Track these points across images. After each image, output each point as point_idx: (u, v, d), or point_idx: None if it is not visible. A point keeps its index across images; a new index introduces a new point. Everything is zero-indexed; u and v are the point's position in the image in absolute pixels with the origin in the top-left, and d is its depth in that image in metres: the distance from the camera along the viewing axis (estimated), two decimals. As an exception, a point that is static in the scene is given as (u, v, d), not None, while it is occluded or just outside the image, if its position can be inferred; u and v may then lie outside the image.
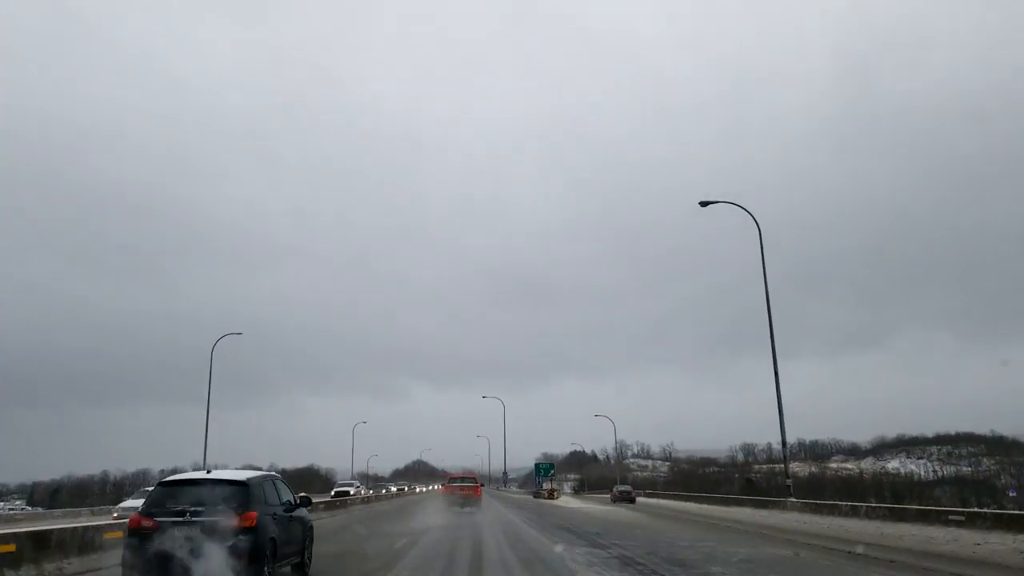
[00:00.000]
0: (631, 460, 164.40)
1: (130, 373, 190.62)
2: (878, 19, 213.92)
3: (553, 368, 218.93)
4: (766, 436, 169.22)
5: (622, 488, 52.10)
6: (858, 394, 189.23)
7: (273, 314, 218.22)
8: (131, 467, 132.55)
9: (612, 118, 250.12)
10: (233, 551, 7.86)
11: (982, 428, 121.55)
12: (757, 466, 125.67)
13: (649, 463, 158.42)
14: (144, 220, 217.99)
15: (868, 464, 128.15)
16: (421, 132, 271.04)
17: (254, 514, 8.31)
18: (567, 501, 53.37)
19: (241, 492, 8.54)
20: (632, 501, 47.53)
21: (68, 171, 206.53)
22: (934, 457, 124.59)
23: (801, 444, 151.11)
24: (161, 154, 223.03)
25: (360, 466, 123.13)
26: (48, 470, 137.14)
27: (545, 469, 68.05)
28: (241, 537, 8.01)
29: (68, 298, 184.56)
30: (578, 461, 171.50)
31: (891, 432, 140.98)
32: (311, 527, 11.18)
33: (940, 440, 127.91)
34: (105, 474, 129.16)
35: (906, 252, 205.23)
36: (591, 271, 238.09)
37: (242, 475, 9.15)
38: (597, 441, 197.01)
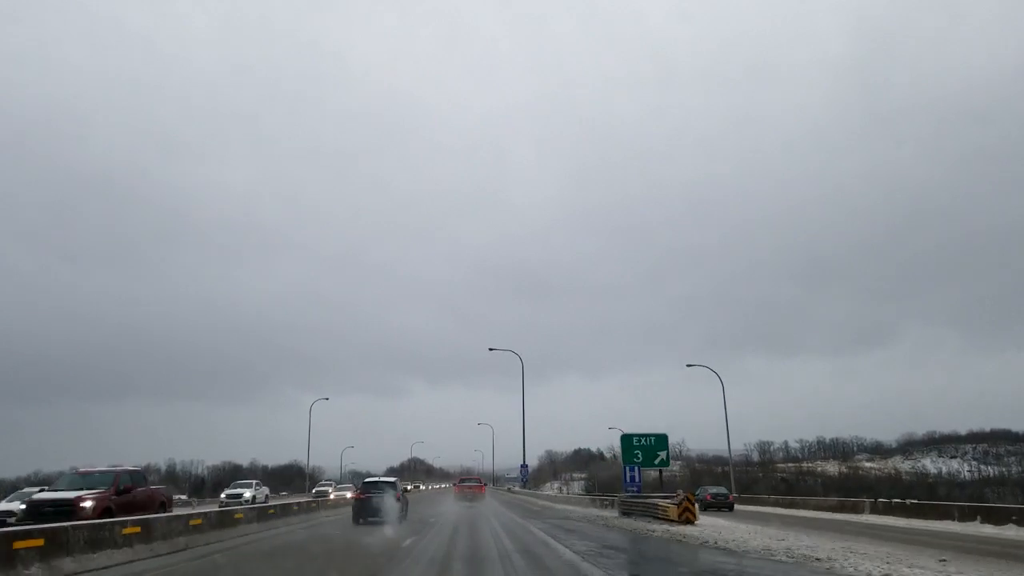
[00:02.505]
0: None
1: (104, 367, 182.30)
2: (894, 5, 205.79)
3: (553, 366, 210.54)
4: (781, 434, 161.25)
5: (715, 491, 39.01)
6: (872, 392, 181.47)
7: (263, 307, 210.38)
8: (102, 463, 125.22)
9: (616, 108, 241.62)
10: (393, 506, 22.56)
11: (1017, 425, 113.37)
12: (782, 465, 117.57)
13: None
14: (127, 206, 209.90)
15: (897, 463, 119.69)
16: (417, 121, 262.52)
17: (399, 493, 24.15)
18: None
19: (394, 485, 24.56)
20: (730, 508, 37.28)
21: (47, 152, 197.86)
22: (969, 456, 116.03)
23: (821, 442, 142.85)
24: (147, 138, 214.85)
25: (330, 460, 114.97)
26: (16, 467, 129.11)
27: (645, 450, 29.56)
28: (396, 501, 22.99)
29: (42, 287, 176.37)
30: (583, 460, 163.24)
31: (919, 429, 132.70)
32: (408, 500, 27.66)
33: (974, 438, 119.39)
34: (74, 471, 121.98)
35: (921, 246, 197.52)
36: (592, 266, 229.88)
37: (392, 478, 26.62)
38: (602, 440, 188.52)
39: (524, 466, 55.27)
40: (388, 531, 19.12)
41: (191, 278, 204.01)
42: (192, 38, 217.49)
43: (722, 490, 39.81)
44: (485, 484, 52.82)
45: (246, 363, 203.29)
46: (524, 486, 59.83)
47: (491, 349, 50.93)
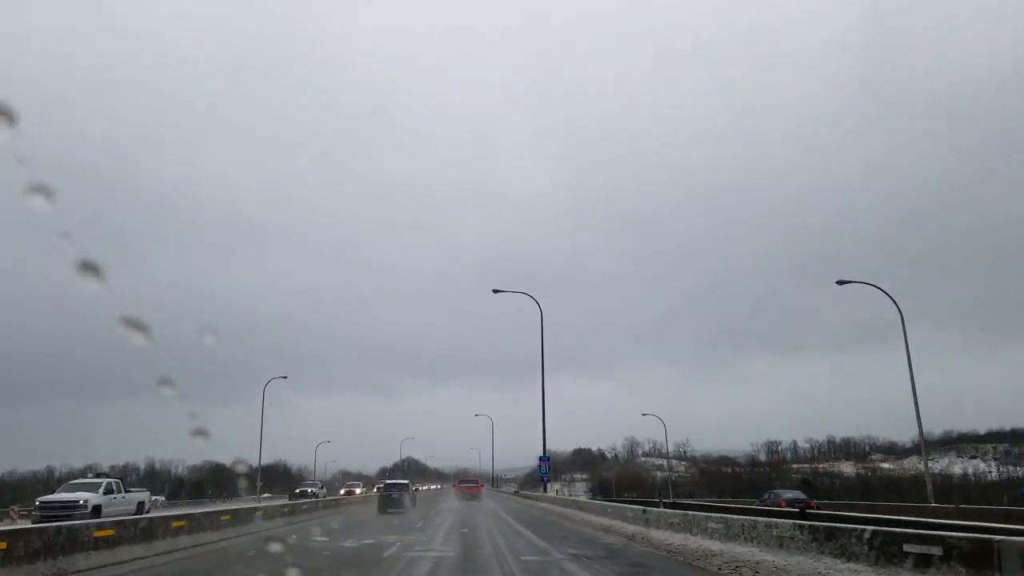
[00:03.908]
0: (643, 459, 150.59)
1: (85, 364, 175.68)
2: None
3: (549, 363, 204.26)
4: (784, 434, 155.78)
5: (791, 496, 29.01)
6: (879, 390, 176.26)
7: (251, 303, 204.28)
8: (78, 463, 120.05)
9: (614, 99, 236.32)
10: (407, 500, 34.09)
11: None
12: (797, 465, 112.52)
13: (663, 462, 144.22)
14: (109, 198, 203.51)
15: (914, 463, 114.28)
16: (408, 111, 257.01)
17: (411, 492, 37.66)
18: None
19: (407, 486, 37.76)
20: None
21: (21, 138, 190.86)
22: (989, 456, 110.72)
23: (831, 442, 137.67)
24: (129, 128, 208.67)
25: (300, 458, 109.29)
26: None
27: None
28: (409, 495, 35.55)
29: (21, 281, 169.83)
30: (583, 460, 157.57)
31: (934, 429, 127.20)
32: (416, 497, 40.75)
33: (994, 437, 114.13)
34: (50, 470, 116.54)
35: (927, 240, 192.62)
36: (590, 261, 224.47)
37: (405, 481, 40.43)
38: (604, 439, 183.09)
39: (545, 458, 40.32)
40: (406, 516, 28.62)
41: (177, 273, 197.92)
42: (176, 28, 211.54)
43: (799, 495, 30.73)
44: (482, 485, 58.84)
45: (234, 360, 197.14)
46: (545, 488, 43.91)
47: (496, 291, 39.61)
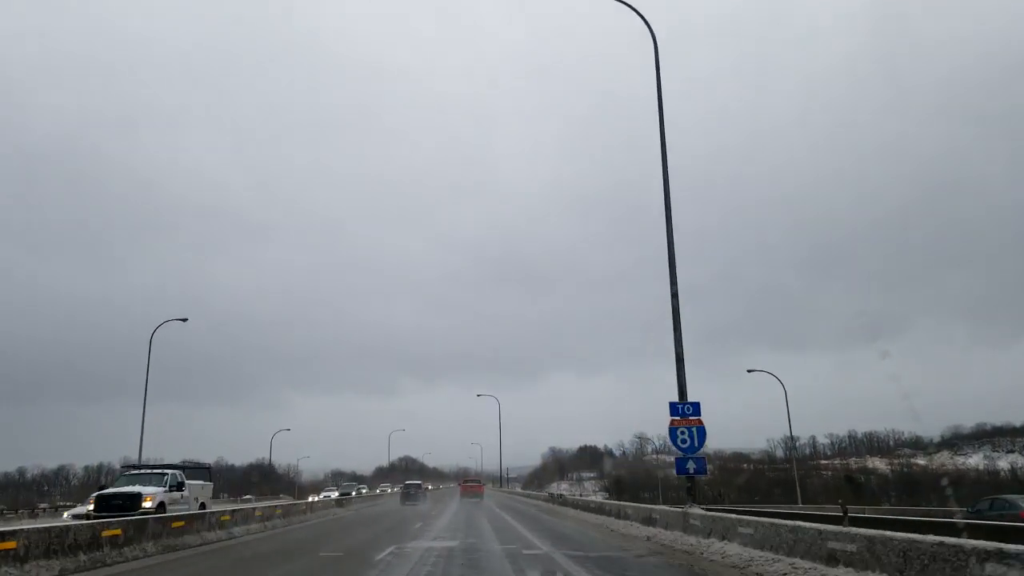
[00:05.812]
0: (651, 456, 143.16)
1: (52, 365, 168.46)
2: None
3: (549, 360, 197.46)
4: (799, 430, 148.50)
5: None
6: (898, 384, 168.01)
7: (235, 299, 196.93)
8: (51, 463, 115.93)
9: (612, 86, 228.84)
10: (421, 495, 49.18)
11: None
12: (826, 461, 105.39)
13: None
14: (89, 190, 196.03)
15: (944, 459, 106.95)
16: (400, 98, 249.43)
17: (426, 487, 62.56)
18: None
19: (420, 484, 56.24)
20: None
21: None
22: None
23: (852, 437, 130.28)
24: (106, 114, 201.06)
25: (312, 459, 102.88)
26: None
27: None
28: (424, 492, 53.32)
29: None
30: (590, 457, 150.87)
31: (966, 421, 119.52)
32: (427, 494, 56.56)
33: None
34: (21, 471, 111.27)
35: (937, 229, 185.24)
36: (588, 254, 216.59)
37: (419, 481, 60.67)
38: (610, 436, 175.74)
39: (692, 409, 16.05)
40: (421, 507, 39.01)
41: (157, 269, 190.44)
42: (157, 11, 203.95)
43: None
44: (482, 484, 65.59)
45: (221, 359, 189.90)
46: (692, 480, 16.18)
47: None
